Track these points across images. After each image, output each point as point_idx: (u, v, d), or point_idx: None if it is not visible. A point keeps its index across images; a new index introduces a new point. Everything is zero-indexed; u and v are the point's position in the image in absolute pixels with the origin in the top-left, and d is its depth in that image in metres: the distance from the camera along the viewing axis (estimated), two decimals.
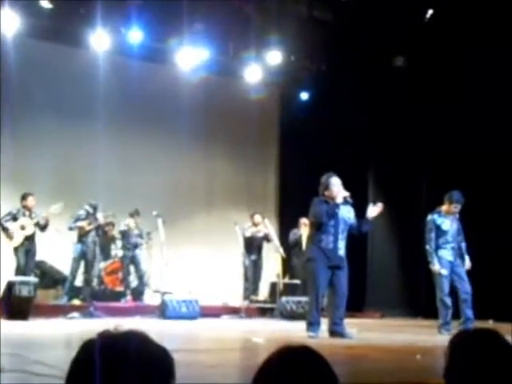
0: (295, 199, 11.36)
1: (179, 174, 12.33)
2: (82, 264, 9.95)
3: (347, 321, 6.82)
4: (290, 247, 11.39)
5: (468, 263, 7.54)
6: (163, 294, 9.66)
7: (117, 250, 11.07)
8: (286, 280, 11.35)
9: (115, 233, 11.03)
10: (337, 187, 6.63)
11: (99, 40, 10.52)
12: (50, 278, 10.44)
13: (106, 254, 10.91)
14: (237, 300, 10.72)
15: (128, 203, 10.72)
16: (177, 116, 12.24)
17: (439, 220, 7.49)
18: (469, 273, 7.51)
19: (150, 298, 10.59)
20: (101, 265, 10.58)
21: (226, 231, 11.18)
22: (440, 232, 7.46)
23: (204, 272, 11.71)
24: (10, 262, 9.59)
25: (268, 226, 11.23)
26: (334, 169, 6.95)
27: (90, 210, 9.92)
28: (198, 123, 12.35)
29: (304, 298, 8.42)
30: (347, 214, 6.68)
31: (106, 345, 1.28)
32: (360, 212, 6.86)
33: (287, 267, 11.54)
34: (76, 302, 9.74)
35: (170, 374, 1.32)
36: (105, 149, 11.54)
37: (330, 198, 6.61)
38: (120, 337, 1.30)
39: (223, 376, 3.82)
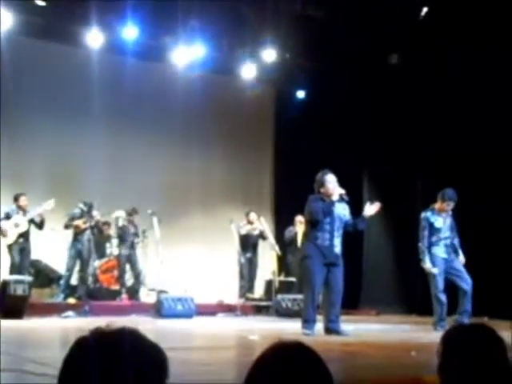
0: (290, 197, 11.35)
1: (174, 172, 12.30)
2: (78, 262, 9.95)
3: (343, 318, 6.83)
4: (285, 245, 11.38)
5: (462, 258, 7.58)
6: (159, 292, 9.67)
7: (112, 249, 11.06)
8: (282, 278, 11.35)
9: (111, 232, 11.03)
10: (332, 184, 6.62)
11: (94, 38, 10.49)
12: (44, 276, 10.43)
13: (102, 253, 10.91)
14: (232, 298, 10.71)
15: (123, 201, 10.68)
16: (172, 113, 12.23)
17: (432, 218, 7.53)
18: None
19: (146, 297, 10.60)
20: (96, 263, 10.57)
21: (221, 229, 11.18)
22: (433, 229, 7.49)
23: (199, 270, 11.71)
24: (5, 261, 9.57)
25: (263, 224, 11.23)
26: (329, 167, 6.94)
27: (85, 209, 9.92)
28: (193, 121, 12.34)
29: (300, 296, 8.42)
30: (342, 211, 6.68)
31: (98, 342, 1.27)
32: (355, 211, 6.86)
33: (283, 265, 11.54)
34: (71, 300, 9.73)
35: (163, 371, 1.31)
36: (100, 147, 11.53)
37: (326, 195, 6.60)
38: (112, 334, 1.30)
39: (218, 374, 3.82)
